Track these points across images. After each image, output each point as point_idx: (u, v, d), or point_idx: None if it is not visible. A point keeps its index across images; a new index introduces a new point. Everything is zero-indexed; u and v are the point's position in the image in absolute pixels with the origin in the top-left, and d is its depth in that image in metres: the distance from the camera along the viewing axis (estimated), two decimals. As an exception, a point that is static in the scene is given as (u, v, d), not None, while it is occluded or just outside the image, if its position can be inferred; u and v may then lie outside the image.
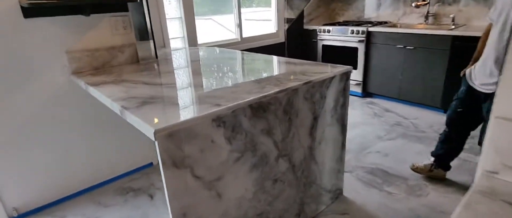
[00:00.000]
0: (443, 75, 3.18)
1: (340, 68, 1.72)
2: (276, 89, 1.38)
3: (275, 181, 1.54)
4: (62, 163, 2.17)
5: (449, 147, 2.11)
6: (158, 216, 1.99)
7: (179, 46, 3.17)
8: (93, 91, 1.60)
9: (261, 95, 1.32)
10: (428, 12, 3.65)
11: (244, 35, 3.77)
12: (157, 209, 2.06)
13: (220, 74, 1.76)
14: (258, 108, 1.33)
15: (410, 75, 3.46)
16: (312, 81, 1.54)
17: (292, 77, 1.59)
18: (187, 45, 3.23)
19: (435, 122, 3.16)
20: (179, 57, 2.41)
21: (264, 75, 1.69)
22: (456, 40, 3.00)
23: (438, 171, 2.18)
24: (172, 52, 2.65)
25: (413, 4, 3.70)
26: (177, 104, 1.29)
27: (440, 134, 2.17)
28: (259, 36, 3.96)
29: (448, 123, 2.09)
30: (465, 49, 2.96)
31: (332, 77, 1.66)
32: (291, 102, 1.47)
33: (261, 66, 1.97)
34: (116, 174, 2.45)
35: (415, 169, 2.26)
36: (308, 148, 1.67)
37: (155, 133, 1.03)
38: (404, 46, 3.40)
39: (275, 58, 2.18)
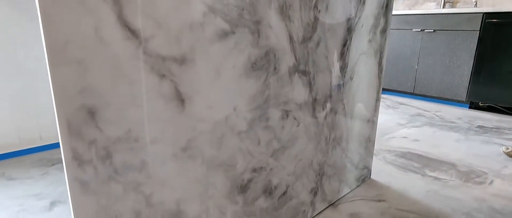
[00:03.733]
0: (471, 63, 2.68)
1: None
2: None
3: (286, 114, 0.89)
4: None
5: None
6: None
7: None
8: None
9: None
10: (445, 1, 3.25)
11: None
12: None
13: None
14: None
15: (428, 64, 2.96)
16: None
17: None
18: None
19: (463, 114, 2.61)
20: None
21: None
22: (488, 18, 2.55)
23: None
24: None
25: (428, -9, 3.31)
26: None
27: None
28: None
29: None
30: (499, 27, 2.50)
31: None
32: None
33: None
34: (41, 143, 1.71)
35: (510, 152, 1.70)
36: (336, 77, 1.04)
37: None
38: (422, 30, 2.93)
39: None
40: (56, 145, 1.75)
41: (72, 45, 0.48)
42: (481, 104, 2.78)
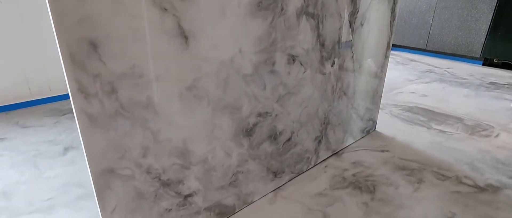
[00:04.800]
0: (490, 15, 2.54)
1: None
2: None
3: (292, 59, 0.87)
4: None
5: None
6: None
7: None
8: None
9: None
10: None
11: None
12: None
13: None
14: None
15: (444, 19, 2.81)
16: None
17: None
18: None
19: (475, 71, 2.54)
20: None
21: None
22: (514, -35, 2.35)
23: None
24: None
25: None
26: None
27: None
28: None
29: None
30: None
31: None
32: None
33: None
34: (52, 93, 1.74)
35: None
36: (346, 23, 1.00)
37: None
38: (441, -20, 2.75)
39: None
40: (66, 96, 1.78)
41: (68, -29, 0.45)
42: (496, 61, 2.69)
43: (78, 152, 1.23)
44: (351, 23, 1.02)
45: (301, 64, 0.91)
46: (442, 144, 1.34)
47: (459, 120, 1.59)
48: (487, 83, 2.21)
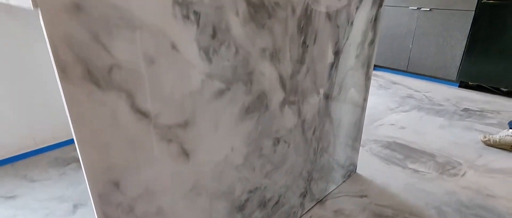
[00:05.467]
0: (464, 42, 2.73)
1: None
2: None
3: (277, 141, 1.01)
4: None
5: None
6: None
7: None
8: None
9: None
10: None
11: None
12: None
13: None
14: (260, 7, 0.77)
15: (422, 44, 3.00)
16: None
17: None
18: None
19: (451, 95, 2.73)
20: None
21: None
22: (484, -2, 2.54)
23: None
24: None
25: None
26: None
27: None
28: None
29: None
30: (494, 9, 2.51)
31: None
32: (309, 14, 0.92)
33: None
34: (55, 141, 1.84)
35: (487, 142, 1.85)
36: (324, 97, 1.14)
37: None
38: (419, 8, 2.92)
39: None
40: (68, 142, 1.88)
41: (97, 133, 0.58)
42: (471, 84, 2.88)
43: (86, 209, 1.34)
44: (329, 96, 1.17)
45: (285, 141, 1.04)
46: (415, 186, 1.50)
47: (432, 157, 1.76)
48: (461, 110, 2.39)
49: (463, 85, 2.94)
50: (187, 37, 0.65)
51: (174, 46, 0.64)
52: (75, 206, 1.37)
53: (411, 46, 3.09)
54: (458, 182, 1.53)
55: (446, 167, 1.66)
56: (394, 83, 3.09)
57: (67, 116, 1.83)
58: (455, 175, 1.59)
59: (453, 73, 2.88)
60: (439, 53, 2.92)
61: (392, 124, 2.17)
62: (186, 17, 0.64)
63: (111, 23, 0.54)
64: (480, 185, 1.50)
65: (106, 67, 0.55)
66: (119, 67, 0.57)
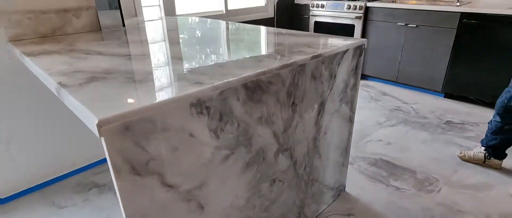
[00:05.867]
0: (447, 57, 2.92)
1: (354, 41, 1.38)
2: (279, 64, 1.03)
3: (273, 182, 1.22)
4: (3, 157, 1.74)
5: (503, 138, 1.88)
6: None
7: (153, 16, 2.71)
8: (28, 62, 1.18)
9: (260, 71, 0.96)
10: (430, -12, 3.35)
11: (229, 8, 3.33)
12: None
13: (203, 46, 1.38)
14: (255, 88, 0.97)
15: (410, 57, 3.19)
16: (322, 55, 1.19)
17: (296, 50, 1.24)
18: (163, 15, 2.78)
19: (436, 107, 2.93)
20: (153, 27, 1.98)
21: (260, 48, 1.32)
22: (465, 17, 2.72)
23: (491, 160, 1.98)
24: (145, 22, 2.21)
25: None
26: (140, 81, 0.90)
27: (489, 123, 1.93)
28: (246, 9, 3.53)
29: (501, 113, 1.83)
30: (474, 28, 2.70)
31: (345, 52, 1.32)
32: (297, 82, 1.12)
33: (255, 37, 1.59)
34: (76, 166, 2.05)
35: (463, 157, 2.07)
36: (312, 139, 1.35)
37: (99, 125, 0.65)
38: (406, 24, 3.10)
39: (270, 29, 1.80)
40: (86, 168, 2.09)
41: (140, 207, 0.78)
42: (455, 94, 3.08)
43: (111, 234, 1.56)
44: (317, 138, 1.37)
45: (280, 180, 1.25)
46: (396, 204, 1.71)
47: (413, 173, 1.97)
48: (444, 123, 2.60)
49: (448, 96, 3.14)
50: (200, 126, 0.85)
51: (191, 135, 0.84)
52: (102, 232, 1.58)
53: (400, 58, 3.28)
54: (434, 199, 1.74)
55: (424, 183, 1.87)
56: (384, 94, 3.29)
57: (85, 142, 2.03)
58: (431, 191, 1.80)
59: (439, 85, 3.08)
60: (426, 66, 3.11)
61: (380, 140, 2.37)
62: (200, 112, 0.84)
63: (148, 132, 0.74)
64: (452, 201, 1.72)
65: (144, 162, 0.76)
66: (153, 159, 0.77)
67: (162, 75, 0.95)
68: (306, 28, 3.97)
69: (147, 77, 0.93)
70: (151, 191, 0.80)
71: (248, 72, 0.94)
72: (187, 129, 0.82)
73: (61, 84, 0.87)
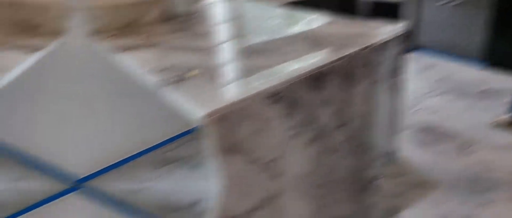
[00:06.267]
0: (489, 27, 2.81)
1: (400, 28, 1.47)
2: (335, 57, 1.19)
3: (332, 152, 1.40)
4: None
5: None
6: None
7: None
8: (116, 58, 1.40)
9: (320, 64, 1.13)
10: None
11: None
12: (201, 182, 1.99)
13: (267, 36, 1.54)
14: (317, 79, 1.13)
15: (456, 27, 3.09)
16: (372, 45, 1.31)
17: (349, 41, 1.36)
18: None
19: (477, 76, 2.91)
20: (219, 13, 2.05)
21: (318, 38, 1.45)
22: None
23: None
24: (210, 5, 2.14)
25: None
26: (224, 77, 1.10)
27: None
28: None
29: None
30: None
31: (392, 39, 1.42)
32: (350, 69, 1.26)
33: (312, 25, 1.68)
34: (149, 144, 2.36)
35: (498, 122, 2.16)
36: (367, 113, 1.49)
37: (207, 117, 0.87)
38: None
39: (323, 17, 1.86)
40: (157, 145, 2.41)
41: None
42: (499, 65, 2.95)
43: None
44: (370, 114, 1.50)
45: (339, 151, 1.43)
46: (440, 165, 1.88)
47: (453, 138, 2.08)
48: (482, 91, 2.61)
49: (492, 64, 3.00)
50: (275, 112, 1.04)
51: (268, 119, 1.03)
52: None
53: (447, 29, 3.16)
54: (471, 159, 1.88)
55: (464, 146, 2.00)
56: (430, 65, 3.22)
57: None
58: (470, 153, 1.94)
59: (479, 54, 2.98)
60: (467, 35, 3.01)
61: (426, 109, 2.44)
62: (275, 102, 1.02)
63: (237, 120, 0.94)
64: (488, 160, 1.86)
65: (234, 143, 0.97)
66: (241, 141, 0.98)
67: (242, 70, 1.14)
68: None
69: (229, 73, 1.13)
70: (240, 165, 1.02)
71: (311, 67, 1.11)
72: (264, 115, 1.01)
73: (163, 81, 1.09)
